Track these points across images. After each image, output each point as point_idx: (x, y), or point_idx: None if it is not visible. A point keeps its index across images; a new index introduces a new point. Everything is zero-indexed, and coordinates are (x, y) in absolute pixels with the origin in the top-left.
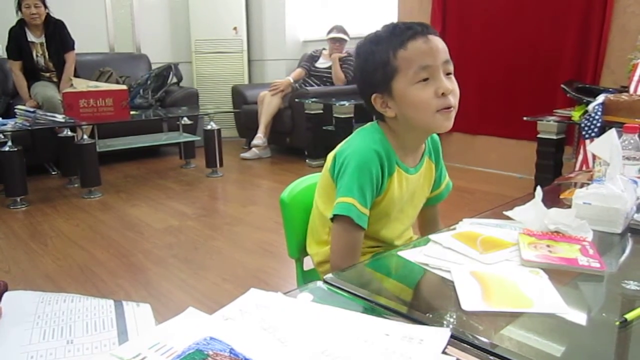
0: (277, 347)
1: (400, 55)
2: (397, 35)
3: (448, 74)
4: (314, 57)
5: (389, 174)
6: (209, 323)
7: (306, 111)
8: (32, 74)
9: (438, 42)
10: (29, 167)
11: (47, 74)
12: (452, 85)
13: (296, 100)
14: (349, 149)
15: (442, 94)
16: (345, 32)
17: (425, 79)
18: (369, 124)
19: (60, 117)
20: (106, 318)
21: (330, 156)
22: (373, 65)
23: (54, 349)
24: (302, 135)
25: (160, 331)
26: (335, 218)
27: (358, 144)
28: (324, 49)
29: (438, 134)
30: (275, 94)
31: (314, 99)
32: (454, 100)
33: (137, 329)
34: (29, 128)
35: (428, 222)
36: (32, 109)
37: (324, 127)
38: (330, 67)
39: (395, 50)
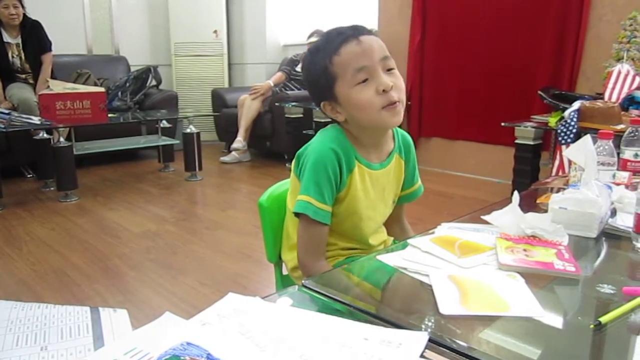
0: (255, 352)
1: (336, 62)
2: (330, 42)
3: (389, 69)
4: (294, 61)
5: (348, 169)
6: (186, 328)
7: (286, 115)
8: (8, 75)
9: (372, 41)
10: (4, 170)
11: (23, 76)
12: (393, 80)
13: (276, 104)
14: (307, 148)
15: (383, 90)
16: None
17: (365, 80)
18: (330, 125)
19: (36, 119)
20: (82, 324)
21: (295, 158)
22: (315, 75)
23: (27, 355)
24: (282, 139)
25: (137, 336)
26: (297, 216)
27: (315, 143)
28: (304, 53)
29: (412, 135)
30: (255, 98)
31: (294, 103)
32: (397, 94)
33: (114, 334)
34: (4, 130)
35: (392, 221)
36: (7, 111)
37: (304, 131)
38: None
39: (331, 57)
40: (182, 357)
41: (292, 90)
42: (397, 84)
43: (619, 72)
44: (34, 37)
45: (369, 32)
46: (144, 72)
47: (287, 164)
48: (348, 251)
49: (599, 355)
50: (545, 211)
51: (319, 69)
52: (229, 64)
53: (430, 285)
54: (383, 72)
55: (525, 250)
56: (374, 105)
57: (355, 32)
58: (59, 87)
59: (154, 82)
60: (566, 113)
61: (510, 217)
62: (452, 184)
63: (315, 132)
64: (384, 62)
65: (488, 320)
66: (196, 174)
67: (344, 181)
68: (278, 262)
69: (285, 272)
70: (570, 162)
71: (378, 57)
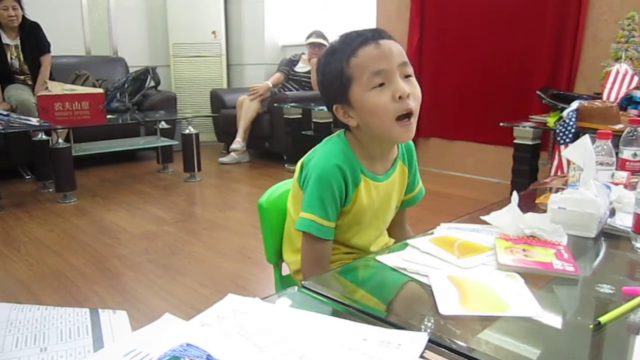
0: (254, 353)
1: (353, 64)
2: (349, 44)
3: (407, 76)
4: (293, 62)
5: (354, 185)
6: (186, 329)
7: (285, 116)
8: (6, 76)
9: (392, 46)
10: (2, 172)
11: (22, 77)
12: (410, 87)
13: (275, 104)
14: (312, 161)
15: (399, 97)
16: (324, 37)
17: (381, 84)
18: (336, 133)
19: (34, 121)
20: (81, 325)
21: (298, 165)
22: (330, 77)
23: (27, 356)
24: (281, 140)
25: (136, 338)
26: (301, 231)
27: (320, 157)
28: (303, 53)
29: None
30: (254, 99)
31: (293, 104)
32: (414, 103)
33: (113, 336)
34: (2, 131)
35: (394, 225)
36: (5, 112)
37: (303, 132)
38: (309, 72)
39: (348, 59)
40: (181, 358)
41: (291, 90)
42: (414, 93)
43: (617, 72)
44: (33, 38)
45: (389, 36)
46: (142, 73)
47: (286, 165)
48: (351, 255)
49: (598, 355)
50: (544, 211)
51: (334, 71)
52: (228, 65)
53: (430, 286)
54: (401, 78)
55: (524, 250)
56: (389, 112)
57: (375, 35)
58: (57, 88)
59: (152, 83)
60: (565, 113)
61: (509, 217)
62: (450, 184)
63: (314, 133)
64: (402, 68)
65: (487, 320)
66: (195, 174)
67: (350, 197)
68: (277, 262)
69: (285, 272)
70: (569, 162)
71: (397, 62)
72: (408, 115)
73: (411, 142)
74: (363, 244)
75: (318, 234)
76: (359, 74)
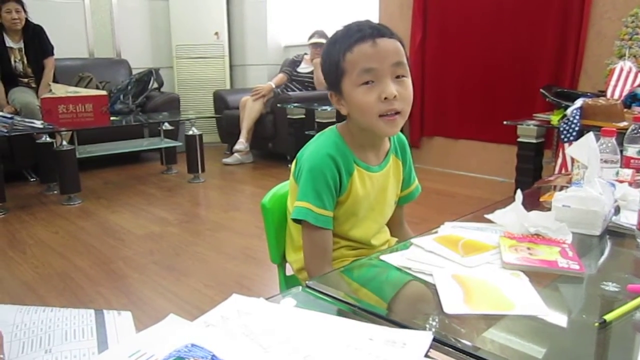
0: (259, 353)
1: (347, 58)
2: (348, 37)
3: (400, 76)
4: (295, 62)
5: (347, 173)
6: (190, 330)
7: (288, 116)
8: (10, 79)
9: (388, 45)
10: (7, 174)
11: (26, 80)
12: (399, 89)
13: (278, 105)
14: (305, 154)
15: (385, 98)
16: (326, 37)
17: (371, 82)
18: (328, 127)
19: (38, 123)
20: (86, 327)
21: (294, 161)
22: (328, 65)
23: (31, 358)
24: (284, 140)
25: (141, 339)
26: (300, 222)
27: (312, 148)
28: (305, 54)
29: (413, 135)
30: (257, 99)
31: (296, 104)
32: (400, 105)
33: (118, 337)
34: (7, 134)
35: (393, 223)
36: (9, 115)
37: (307, 132)
38: (312, 72)
39: (344, 53)
40: (186, 359)
41: (294, 91)
42: (402, 94)
43: (621, 69)
44: (36, 41)
45: (391, 34)
46: (145, 74)
47: (289, 165)
48: (353, 251)
49: (604, 353)
50: (549, 209)
51: (332, 61)
52: (231, 66)
53: (434, 285)
54: (392, 78)
55: (529, 248)
56: (373, 110)
57: (375, 32)
58: (61, 90)
59: (155, 85)
60: (568, 111)
61: (513, 215)
62: (454, 183)
63: (318, 132)
64: (395, 69)
65: (492, 319)
66: (199, 175)
67: (345, 185)
68: (281, 263)
69: (289, 272)
70: (573, 160)
71: (390, 62)
72: (392, 116)
73: (403, 137)
74: (362, 236)
75: (315, 222)
76: (351, 68)
